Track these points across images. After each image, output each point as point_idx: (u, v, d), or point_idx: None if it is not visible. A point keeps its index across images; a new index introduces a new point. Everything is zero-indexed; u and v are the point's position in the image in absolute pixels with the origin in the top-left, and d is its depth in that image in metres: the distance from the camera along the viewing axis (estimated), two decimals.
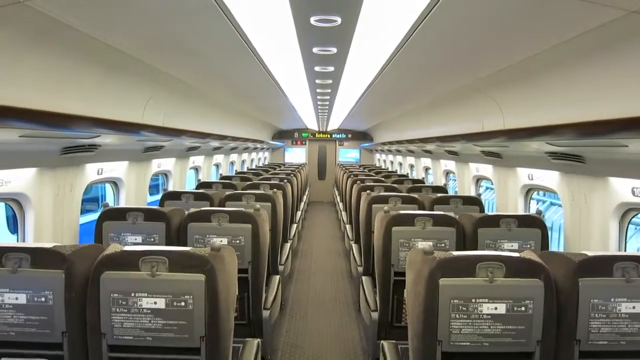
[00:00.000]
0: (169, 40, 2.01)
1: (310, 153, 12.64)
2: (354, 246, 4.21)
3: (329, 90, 4.03)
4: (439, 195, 3.71)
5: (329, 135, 12.44)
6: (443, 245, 2.48)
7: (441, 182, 5.95)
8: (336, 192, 9.57)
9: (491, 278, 1.57)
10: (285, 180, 4.80)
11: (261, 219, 2.54)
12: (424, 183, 5.72)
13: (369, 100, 4.61)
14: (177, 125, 3.26)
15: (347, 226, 5.46)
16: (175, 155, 4.71)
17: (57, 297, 1.58)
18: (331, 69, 2.91)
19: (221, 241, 2.46)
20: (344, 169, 8.17)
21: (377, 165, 11.26)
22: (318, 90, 4.02)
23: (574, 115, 1.88)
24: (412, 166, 7.95)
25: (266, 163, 11.49)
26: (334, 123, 9.76)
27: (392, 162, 9.88)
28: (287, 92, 4.14)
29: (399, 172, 8.17)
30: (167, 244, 2.51)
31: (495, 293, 1.57)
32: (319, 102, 5.15)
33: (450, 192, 5.35)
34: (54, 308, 1.58)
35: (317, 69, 2.90)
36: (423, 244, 2.27)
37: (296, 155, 12.47)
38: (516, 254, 1.63)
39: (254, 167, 9.42)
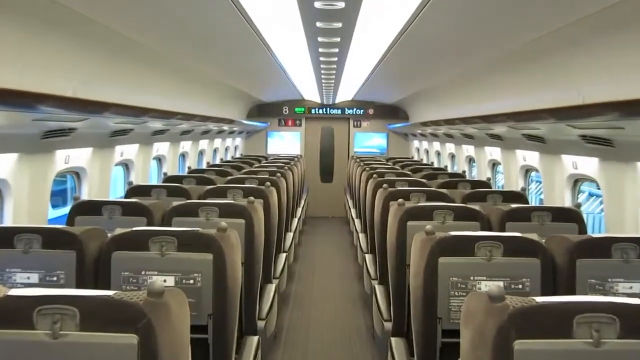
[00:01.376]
0: None
1: (308, 139, 12.72)
2: (378, 288, 4.28)
3: (338, 39, 4.11)
4: (514, 206, 3.70)
5: (338, 111, 12.39)
6: (520, 287, 2.53)
7: (514, 184, 6.03)
8: (349, 202, 9.85)
9: None
10: (268, 184, 4.68)
11: (230, 246, 2.63)
12: (489, 186, 5.80)
13: (401, 52, 4.52)
14: (93, 95, 3.28)
15: (367, 256, 5.45)
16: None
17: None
18: (340, 4, 2.96)
19: (165, 281, 2.52)
20: (361, 164, 8.15)
21: (417, 158, 11.29)
22: (321, 39, 4.12)
23: None
24: (470, 160, 8.00)
25: (238, 155, 11.63)
26: (346, 91, 9.59)
27: (437, 154, 10.02)
28: (271, 43, 4.39)
29: (449, 169, 8.49)
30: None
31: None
32: (322, 58, 5.20)
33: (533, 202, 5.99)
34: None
35: (318, 4, 2.97)
36: (489, 285, 2.27)
37: (286, 142, 12.53)
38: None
39: (217, 161, 9.66)
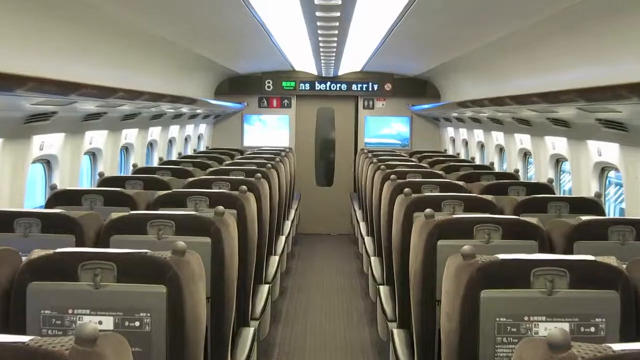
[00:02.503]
0: None
1: (300, 126, 12.86)
2: (397, 334, 4.40)
3: None
4: (585, 219, 3.80)
5: (342, 87, 12.57)
6: (592, 330, 2.59)
7: (585, 188, 6.24)
8: (357, 214, 10.02)
9: None
10: (244, 189, 4.81)
11: (189, 274, 2.70)
12: (551, 190, 5.92)
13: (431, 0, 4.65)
14: None
15: (382, 290, 5.55)
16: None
17: None
18: None
19: (100, 322, 2.56)
20: (374, 160, 8.32)
21: (452, 152, 11.41)
22: None
23: None
24: (526, 155, 8.20)
25: (202, 149, 11.88)
26: (353, 59, 9.61)
27: (481, 145, 10.24)
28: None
29: (497, 167, 8.78)
30: None
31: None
32: (318, 13, 5.21)
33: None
34: None
35: None
36: (549, 329, 2.27)
37: (269, 130, 12.73)
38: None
39: (173, 157, 10.01)
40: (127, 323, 2.53)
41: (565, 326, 2.51)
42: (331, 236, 12.07)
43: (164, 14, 5.18)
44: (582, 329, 2.54)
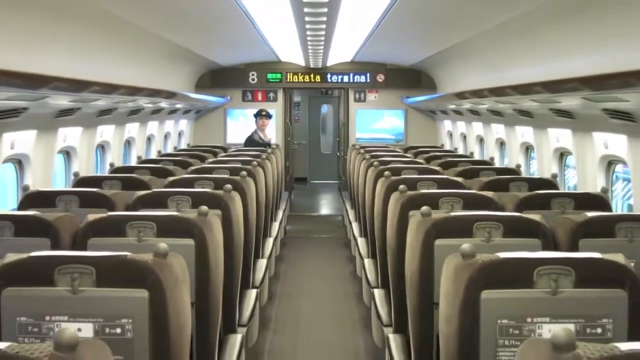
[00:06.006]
0: None
1: (285, 121, 13.15)
2: (392, 340, 4.44)
3: None
4: (591, 215, 3.86)
5: (332, 79, 12.71)
6: (599, 331, 2.63)
7: (591, 182, 6.34)
8: (349, 214, 10.12)
9: None
10: (228, 188, 4.81)
11: (172, 278, 2.72)
12: (555, 185, 5.94)
13: None
14: None
15: (376, 293, 5.60)
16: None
17: None
18: None
19: (80, 329, 2.58)
20: (366, 156, 8.37)
21: (450, 147, 11.48)
22: None
23: None
24: (528, 149, 8.37)
25: (183, 146, 11.92)
26: (344, 48, 9.68)
27: (480, 140, 10.29)
28: None
29: (497, 162, 8.85)
30: None
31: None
32: None
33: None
34: None
35: None
36: (553, 330, 2.23)
37: (253, 125, 12.58)
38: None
39: (152, 155, 10.04)
40: (107, 330, 2.57)
41: (571, 327, 2.54)
42: (323, 239, 11.96)
43: (140, 2, 5.19)
44: (588, 330, 2.57)
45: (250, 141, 11.22)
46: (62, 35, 4.99)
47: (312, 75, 12.78)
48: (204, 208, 3.71)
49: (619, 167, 6.20)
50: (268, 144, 11.24)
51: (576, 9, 4.47)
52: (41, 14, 4.51)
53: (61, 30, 5.02)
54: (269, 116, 11.43)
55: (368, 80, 12.73)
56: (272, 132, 12.59)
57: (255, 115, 11.51)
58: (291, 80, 12.76)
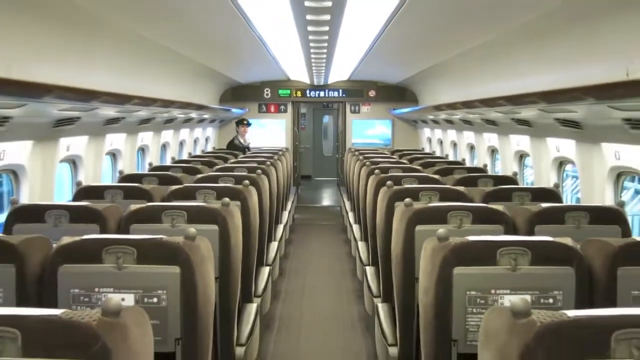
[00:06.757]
0: None
1: (294, 128, 13.14)
2: (381, 308, 4.46)
3: (330, 4, 4.34)
4: (545, 206, 3.87)
5: (332, 94, 12.74)
6: (551, 301, 2.62)
7: (546, 180, 6.36)
8: (345, 205, 10.12)
9: None
10: (246, 183, 4.79)
11: (200, 257, 2.72)
12: (515, 182, 5.87)
13: (408, 18, 4.68)
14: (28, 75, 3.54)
15: (368, 269, 5.64)
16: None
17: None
18: None
19: (123, 299, 2.52)
20: (360, 157, 8.36)
21: (429, 150, 11.51)
22: (308, 4, 4.33)
23: None
24: (494, 152, 8.38)
25: (209, 149, 11.86)
26: (341, 69, 9.81)
27: (453, 144, 10.33)
28: (247, 10, 4.58)
29: (468, 163, 8.85)
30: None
31: None
32: (310, 28, 5.29)
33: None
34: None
35: None
36: (512, 300, 2.35)
37: (268, 132, 12.90)
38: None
39: (185, 156, 9.98)
40: (146, 299, 2.59)
41: (527, 298, 2.55)
42: (324, 226, 11.83)
43: (172, 27, 5.21)
44: (542, 300, 2.58)
45: (232, 145, 11.15)
46: (108, 58, 5.01)
47: (315, 91, 12.83)
48: (226, 200, 3.72)
49: (568, 167, 6.24)
50: (247, 148, 11.18)
51: (531, 37, 4.54)
52: (90, 39, 4.55)
53: (107, 53, 5.05)
54: (248, 124, 11.39)
55: (362, 95, 12.80)
56: (283, 137, 12.71)
57: (237, 123, 11.43)
58: (298, 95, 12.82)
